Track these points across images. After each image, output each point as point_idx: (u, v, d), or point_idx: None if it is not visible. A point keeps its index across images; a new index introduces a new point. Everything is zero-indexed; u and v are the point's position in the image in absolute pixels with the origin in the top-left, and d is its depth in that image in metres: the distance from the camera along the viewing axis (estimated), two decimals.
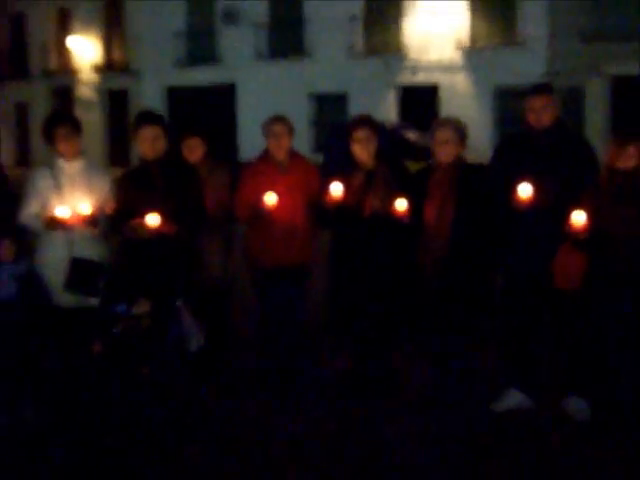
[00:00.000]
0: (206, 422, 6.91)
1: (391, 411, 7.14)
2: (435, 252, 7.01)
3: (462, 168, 7.14)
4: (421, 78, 30.95)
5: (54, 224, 7.02)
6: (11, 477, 6.05)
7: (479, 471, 6.04)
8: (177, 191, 7.10)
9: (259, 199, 7.34)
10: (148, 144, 7.12)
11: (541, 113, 6.94)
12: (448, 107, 28.92)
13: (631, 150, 6.48)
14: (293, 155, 7.77)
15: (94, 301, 6.92)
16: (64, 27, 41.79)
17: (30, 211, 7.23)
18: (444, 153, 7.11)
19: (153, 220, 6.63)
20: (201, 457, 6.31)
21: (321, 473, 6.05)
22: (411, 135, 23.05)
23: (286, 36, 33.96)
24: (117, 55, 40.29)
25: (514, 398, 7.08)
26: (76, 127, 7.39)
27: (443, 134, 7.12)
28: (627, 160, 6.49)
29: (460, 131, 7.18)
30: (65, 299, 7.09)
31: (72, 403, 6.73)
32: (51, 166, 7.32)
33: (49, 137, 7.30)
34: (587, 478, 5.92)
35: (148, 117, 7.44)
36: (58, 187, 7.18)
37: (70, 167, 7.26)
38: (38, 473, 6.07)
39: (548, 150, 6.91)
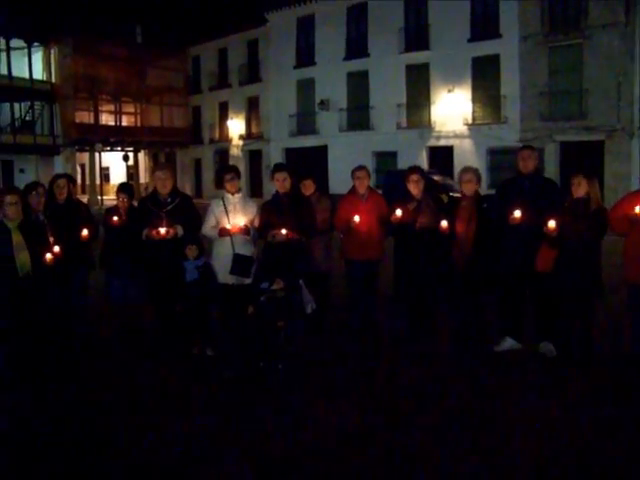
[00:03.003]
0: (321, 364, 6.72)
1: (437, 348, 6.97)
2: (464, 253, 6.86)
3: (479, 198, 6.97)
4: (442, 142, 30.49)
5: (223, 233, 7.01)
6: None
7: (485, 386, 5.83)
8: (298, 213, 6.98)
9: (349, 218, 7.36)
10: (280, 183, 7.07)
11: (527, 161, 6.73)
12: (459, 160, 28.42)
13: (580, 181, 6.24)
14: (370, 190, 7.66)
15: (248, 281, 6.89)
16: (223, 113, 42.23)
17: (209, 225, 7.19)
18: (468, 188, 6.96)
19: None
20: (322, 395, 6.07)
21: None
22: (437, 177, 22.78)
23: (358, 116, 33.76)
24: (255, 129, 40.47)
25: (508, 343, 6.84)
26: (237, 174, 7.26)
27: (467, 176, 7.00)
28: (578, 190, 6.27)
29: (477, 174, 7.06)
30: (229, 279, 6.98)
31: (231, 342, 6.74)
32: (222, 198, 7.22)
33: (220, 179, 7.21)
34: (553, 391, 5.71)
35: (280, 166, 7.39)
36: (226, 210, 7.08)
37: (233, 198, 7.13)
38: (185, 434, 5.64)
39: (530, 187, 6.68)
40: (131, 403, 5.64)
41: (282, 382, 5.97)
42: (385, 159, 32.22)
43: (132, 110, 43.34)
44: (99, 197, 37.13)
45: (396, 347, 7.11)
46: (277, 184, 7.13)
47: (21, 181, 31.20)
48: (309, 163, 33.64)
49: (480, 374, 6.20)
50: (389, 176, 24.12)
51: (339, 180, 25.98)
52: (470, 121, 29.68)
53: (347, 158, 29.17)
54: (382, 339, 7.40)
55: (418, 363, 6.55)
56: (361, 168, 7.73)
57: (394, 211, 7.15)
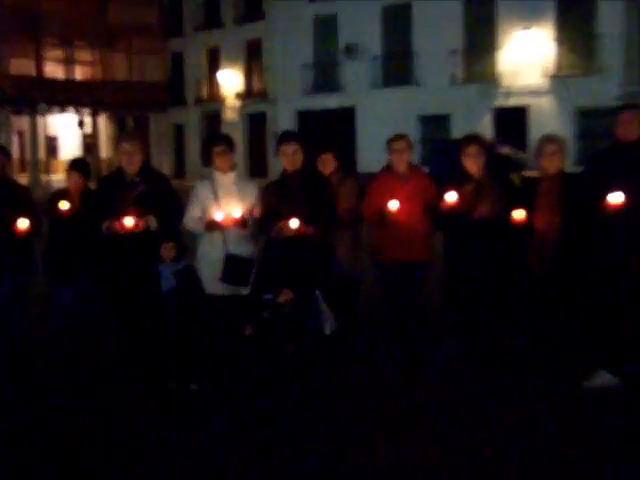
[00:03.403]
0: (349, 393, 6.82)
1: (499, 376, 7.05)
2: (544, 253, 6.88)
3: (564, 177, 6.99)
4: (513, 101, 30.51)
5: (212, 226, 7.06)
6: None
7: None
8: (313, 198, 6.98)
9: (383, 205, 7.37)
10: (288, 157, 7.05)
11: (629, 127, 6.73)
12: (535, 126, 28.46)
13: None
14: (412, 167, 7.70)
15: (245, 291, 6.89)
16: (213, 63, 42.47)
17: (193, 216, 7.25)
18: (550, 164, 7.00)
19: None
20: (352, 423, 6.18)
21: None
22: (505, 150, 22.68)
23: (397, 67, 33.79)
24: (256, 84, 40.68)
25: (604, 378, 6.79)
26: (230, 145, 7.33)
27: (550, 147, 7.03)
28: None
29: (563, 145, 7.09)
30: (219, 289, 7.05)
31: (229, 376, 6.74)
32: (209, 178, 7.27)
33: (207, 154, 7.28)
34: None
35: (288, 135, 7.35)
36: (215, 196, 7.13)
37: (225, 179, 7.19)
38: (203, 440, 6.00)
39: (635, 161, 6.65)
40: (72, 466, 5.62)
41: (292, 430, 5.97)
42: (434, 125, 32.26)
43: (89, 58, 43.58)
44: (43, 177, 37.39)
45: (447, 383, 7.10)
46: (284, 159, 7.15)
47: None
48: (330, 131, 33.75)
49: (574, 421, 6.20)
50: (439, 148, 24.12)
51: (371, 154, 25.89)
52: (553, 72, 29.64)
53: (382, 124, 29.30)
54: (426, 372, 7.43)
55: (481, 410, 6.49)
56: (400, 138, 7.73)
57: (444, 196, 7.15)
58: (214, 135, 8.93)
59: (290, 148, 7.08)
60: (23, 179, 38.00)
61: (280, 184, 7.21)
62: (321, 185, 7.27)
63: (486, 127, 29.92)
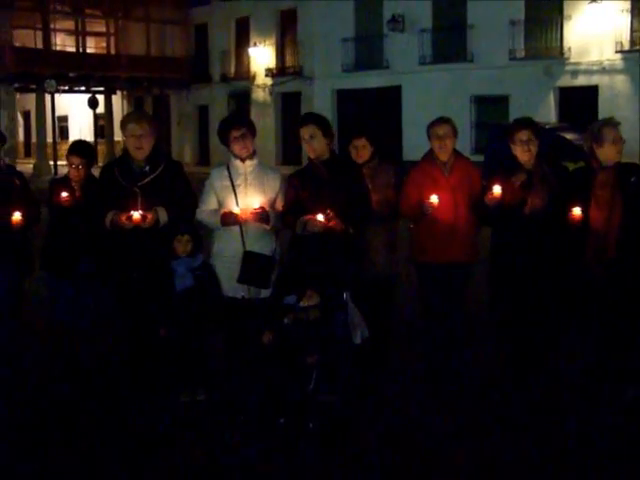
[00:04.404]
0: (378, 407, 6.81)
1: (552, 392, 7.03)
2: (604, 254, 6.87)
3: (623, 169, 6.95)
4: (581, 80, 30.39)
5: (229, 220, 7.04)
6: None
7: None
8: (342, 189, 6.98)
9: (423, 198, 7.30)
10: (306, 143, 7.14)
11: None
12: (605, 109, 28.14)
13: None
14: (457, 156, 7.62)
15: (265, 293, 6.95)
16: (242, 35, 42.66)
17: (207, 208, 7.25)
18: (612, 154, 6.93)
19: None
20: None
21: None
22: (569, 136, 22.52)
23: (449, 41, 33.72)
24: (290, 60, 40.83)
25: None
26: (250, 129, 7.26)
27: (614, 134, 6.95)
28: None
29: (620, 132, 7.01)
30: (236, 290, 7.06)
31: (240, 385, 6.88)
32: (227, 166, 7.27)
33: (225, 138, 7.22)
34: None
35: (306, 118, 7.40)
36: (233, 185, 7.12)
37: (244, 167, 7.16)
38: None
39: None
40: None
41: (313, 451, 5.98)
42: (490, 107, 32.27)
43: (102, 29, 43.99)
44: (52, 163, 37.77)
45: (492, 395, 7.07)
46: (303, 145, 7.25)
47: None
48: (372, 113, 33.69)
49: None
50: (496, 134, 23.94)
51: (418, 140, 25.74)
52: (627, 46, 29.46)
53: (431, 106, 29.19)
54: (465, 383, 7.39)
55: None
56: (443, 122, 7.65)
57: (491, 187, 7.12)
58: (231, 116, 8.69)
59: (307, 132, 7.13)
60: (28, 164, 38.45)
61: (305, 174, 7.25)
62: (352, 174, 7.27)
63: (549, 109, 29.86)
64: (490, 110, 32.12)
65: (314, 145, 7.11)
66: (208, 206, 7.28)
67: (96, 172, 7.88)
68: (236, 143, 7.17)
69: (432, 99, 31.92)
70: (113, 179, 7.21)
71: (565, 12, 30.67)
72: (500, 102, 31.92)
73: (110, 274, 7.36)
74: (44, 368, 8.02)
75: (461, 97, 32.10)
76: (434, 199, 7.24)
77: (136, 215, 6.90)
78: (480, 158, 20.52)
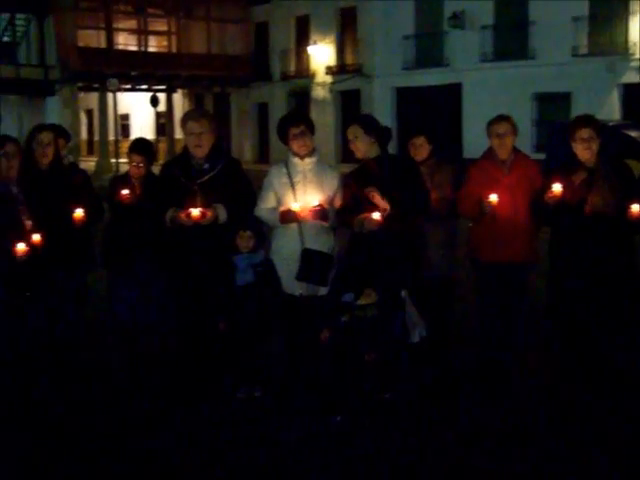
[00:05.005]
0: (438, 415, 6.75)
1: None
2: None
3: None
4: None
5: (288, 217, 7.06)
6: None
7: None
8: (398, 186, 6.95)
9: (482, 197, 7.29)
10: (351, 144, 7.20)
11: None
12: None
13: None
14: (517, 154, 7.58)
15: (323, 291, 6.97)
16: (302, 33, 42.73)
17: (266, 205, 7.27)
18: None
19: None
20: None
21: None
22: (633, 133, 22.16)
23: (511, 38, 33.47)
24: (350, 58, 40.78)
25: None
26: (309, 126, 7.27)
27: None
28: None
29: None
30: (294, 288, 7.09)
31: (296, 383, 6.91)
32: (286, 163, 7.28)
33: (284, 136, 7.24)
34: None
35: (354, 120, 7.41)
36: (291, 183, 7.15)
37: (303, 164, 7.18)
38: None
39: None
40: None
41: (370, 449, 5.96)
42: (552, 104, 31.99)
43: (164, 28, 44.32)
44: (114, 160, 38.19)
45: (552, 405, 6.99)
46: (350, 146, 7.28)
47: None
48: (432, 111, 33.56)
49: None
50: (558, 132, 23.66)
51: (479, 138, 25.62)
52: None
53: (492, 103, 28.81)
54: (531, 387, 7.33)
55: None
56: (502, 119, 7.63)
57: (551, 186, 7.05)
58: (290, 114, 8.66)
59: (351, 133, 7.19)
60: (91, 163, 38.93)
61: (360, 172, 7.23)
62: (410, 173, 7.25)
63: (612, 106, 29.50)
64: (552, 108, 31.83)
65: (358, 145, 7.15)
66: (267, 203, 7.30)
67: (156, 170, 7.96)
68: (295, 140, 7.18)
69: (493, 97, 31.69)
70: (173, 177, 7.27)
71: (631, 8, 30.26)
72: (562, 99, 31.59)
73: (171, 269, 7.43)
74: (104, 363, 8.11)
75: (522, 94, 31.82)
76: (493, 198, 7.22)
77: (195, 212, 6.93)
78: (541, 156, 20.28)
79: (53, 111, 39.78)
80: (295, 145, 7.18)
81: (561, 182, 7.02)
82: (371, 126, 7.20)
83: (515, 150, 7.59)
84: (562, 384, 7.28)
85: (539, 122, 30.64)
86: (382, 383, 6.49)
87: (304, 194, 7.10)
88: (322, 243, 7.12)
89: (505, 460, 5.87)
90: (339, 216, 7.18)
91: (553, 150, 20.87)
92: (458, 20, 34.79)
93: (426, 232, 7.39)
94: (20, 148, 7.25)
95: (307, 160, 7.20)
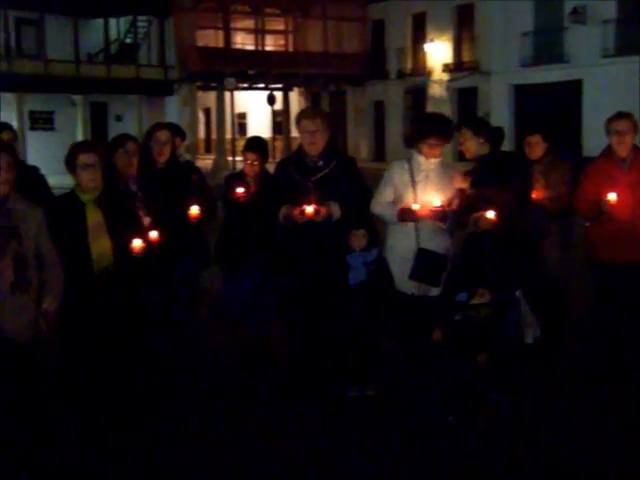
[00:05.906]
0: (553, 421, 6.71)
1: None
2: None
3: None
4: None
5: (407, 215, 7.05)
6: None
7: None
8: (508, 186, 6.94)
9: (601, 196, 7.23)
10: (462, 146, 7.33)
11: None
12: None
13: None
14: (636, 152, 7.48)
15: (435, 291, 7.00)
16: (418, 31, 42.55)
17: (384, 199, 7.28)
18: None
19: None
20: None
21: None
22: None
23: (634, 32, 32.69)
24: (467, 55, 40.51)
25: None
26: (448, 135, 7.25)
27: None
28: None
29: None
30: (407, 287, 7.10)
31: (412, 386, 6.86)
32: (409, 160, 7.26)
33: (418, 136, 7.21)
34: None
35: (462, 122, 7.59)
36: (413, 181, 7.13)
37: (427, 164, 7.16)
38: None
39: None
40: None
41: (483, 450, 5.99)
42: None
43: (281, 27, 44.69)
44: (231, 158, 38.67)
45: None
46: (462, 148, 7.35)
47: (117, 132, 32.98)
48: (551, 109, 33.10)
49: None
50: None
51: (600, 136, 25.21)
52: None
53: (614, 100, 28.18)
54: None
55: None
56: (622, 116, 7.53)
57: None
58: (430, 116, 8.48)
59: (461, 136, 7.25)
60: (208, 161, 39.52)
61: (474, 171, 7.28)
62: (520, 172, 7.30)
63: None
64: None
65: (467, 146, 7.20)
66: (385, 198, 7.31)
67: (270, 167, 8.05)
68: (429, 148, 7.14)
69: (614, 93, 30.97)
70: (288, 174, 7.34)
71: None
72: None
73: (284, 268, 7.46)
74: (216, 357, 8.29)
75: None
76: (612, 197, 7.16)
77: (309, 209, 6.98)
78: None
79: (172, 110, 40.50)
80: (427, 150, 7.12)
81: None
82: (479, 126, 7.23)
83: (635, 148, 7.48)
84: None
85: None
86: (495, 383, 6.47)
87: (424, 193, 7.09)
88: (437, 243, 7.11)
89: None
90: (458, 216, 7.15)
91: None
92: (579, 15, 34.18)
93: (541, 231, 7.43)
94: (139, 146, 7.43)
95: (432, 160, 7.18)
